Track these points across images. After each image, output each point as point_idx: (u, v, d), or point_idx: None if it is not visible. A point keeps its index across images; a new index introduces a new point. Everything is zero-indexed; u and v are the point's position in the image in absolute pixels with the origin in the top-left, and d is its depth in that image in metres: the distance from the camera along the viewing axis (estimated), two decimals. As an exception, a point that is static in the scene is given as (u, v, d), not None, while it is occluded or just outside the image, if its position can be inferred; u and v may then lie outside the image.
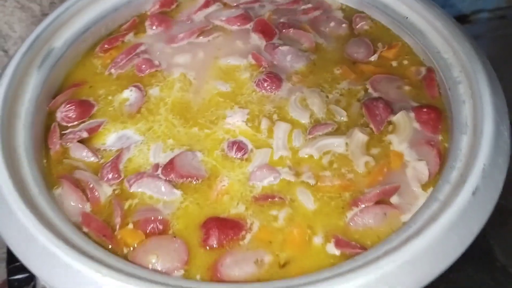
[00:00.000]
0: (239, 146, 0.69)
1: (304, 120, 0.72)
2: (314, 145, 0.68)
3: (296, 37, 0.83)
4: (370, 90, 0.75)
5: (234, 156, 0.68)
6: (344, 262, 0.56)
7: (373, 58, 0.79)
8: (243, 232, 0.62)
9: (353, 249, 0.58)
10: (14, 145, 0.66)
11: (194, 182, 0.66)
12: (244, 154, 0.68)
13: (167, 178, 0.66)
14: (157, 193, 0.65)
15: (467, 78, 0.69)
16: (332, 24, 0.84)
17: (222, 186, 0.65)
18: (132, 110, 0.74)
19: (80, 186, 0.66)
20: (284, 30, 0.84)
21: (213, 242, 0.60)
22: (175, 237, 0.61)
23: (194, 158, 0.68)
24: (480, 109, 0.64)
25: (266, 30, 0.84)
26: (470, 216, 0.56)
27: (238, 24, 0.86)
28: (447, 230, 0.54)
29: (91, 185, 0.65)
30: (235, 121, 0.72)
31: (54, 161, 0.70)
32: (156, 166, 0.67)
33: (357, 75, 0.77)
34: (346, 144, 0.68)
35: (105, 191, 0.66)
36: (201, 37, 0.85)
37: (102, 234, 0.60)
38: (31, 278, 0.80)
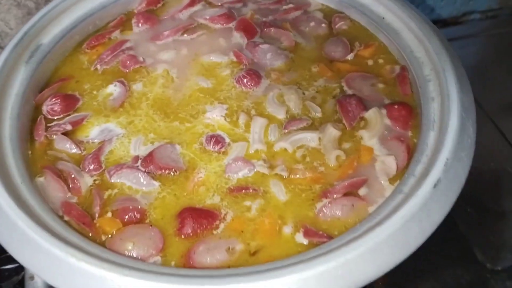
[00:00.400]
0: (217, 139, 0.71)
1: (281, 115, 0.74)
2: (289, 139, 0.71)
3: (276, 36, 0.86)
4: (345, 88, 0.77)
5: (212, 149, 0.71)
6: (310, 250, 0.58)
7: (349, 57, 0.82)
8: (217, 222, 0.64)
9: (320, 238, 0.61)
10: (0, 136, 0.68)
11: (172, 174, 0.68)
12: (222, 147, 0.71)
13: (146, 170, 0.69)
14: (136, 184, 0.68)
15: (436, 76, 0.71)
16: (312, 23, 0.87)
17: (199, 177, 0.68)
18: (115, 104, 0.77)
19: (62, 177, 0.68)
20: (265, 29, 0.86)
21: (188, 230, 0.62)
22: (151, 225, 0.63)
23: (173, 151, 0.71)
24: (447, 106, 0.66)
25: (248, 28, 0.86)
26: (431, 208, 0.58)
27: (221, 22, 0.88)
28: (408, 220, 0.56)
29: (73, 176, 0.68)
30: (214, 116, 0.74)
31: (39, 152, 0.72)
32: (136, 158, 0.70)
33: (333, 73, 0.79)
34: (319, 138, 0.71)
35: (86, 182, 0.68)
36: (185, 35, 0.88)
37: (81, 222, 0.63)
38: (21, 268, 0.82)
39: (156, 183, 0.68)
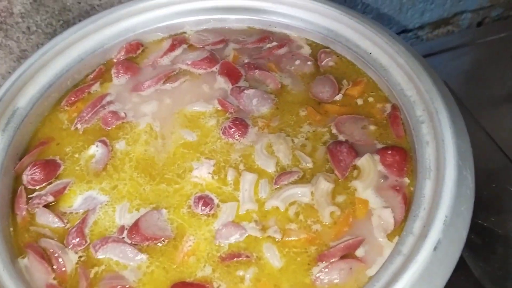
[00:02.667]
0: (205, 201, 0.68)
1: (270, 168, 0.71)
2: (280, 196, 0.68)
3: (261, 78, 0.83)
4: (335, 132, 0.74)
5: (201, 213, 0.68)
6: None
7: (338, 97, 0.78)
8: (209, 295, 0.61)
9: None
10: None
11: (160, 244, 0.65)
12: (211, 209, 0.68)
13: (133, 242, 0.66)
14: (123, 258, 0.65)
15: (429, 117, 0.68)
16: (297, 62, 0.84)
17: (188, 246, 0.65)
18: (98, 167, 0.74)
19: (46, 256, 0.66)
20: (249, 72, 0.83)
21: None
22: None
23: (159, 217, 0.68)
24: (442, 152, 0.63)
25: (231, 73, 0.83)
26: (432, 272, 0.55)
27: (204, 67, 0.85)
28: (410, 288, 0.53)
29: (56, 254, 0.65)
30: (201, 174, 0.72)
31: (20, 229, 0.70)
32: (122, 228, 0.67)
33: (322, 116, 0.76)
34: (312, 193, 0.67)
35: (71, 259, 0.66)
36: (167, 84, 0.84)
37: None
38: None
39: (144, 256, 0.65)
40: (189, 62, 0.86)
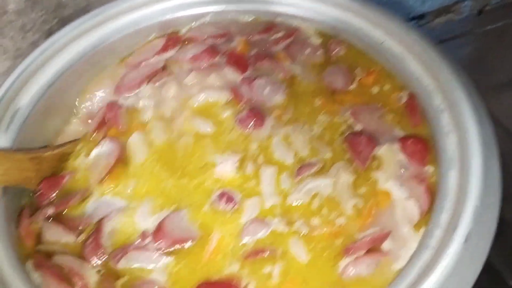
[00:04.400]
0: (229, 197, 0.67)
1: (289, 160, 0.70)
2: (302, 189, 0.67)
3: (271, 68, 0.81)
4: (352, 122, 0.73)
5: (225, 209, 0.66)
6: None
7: (352, 86, 0.77)
8: (237, 293, 0.60)
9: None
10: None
11: (187, 246, 0.64)
12: (234, 205, 0.66)
13: (159, 247, 0.64)
14: (146, 264, 0.63)
15: (449, 106, 0.67)
16: (307, 51, 0.82)
17: (214, 244, 0.64)
18: (108, 166, 0.71)
19: (63, 276, 0.62)
20: (258, 62, 0.81)
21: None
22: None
23: (183, 218, 0.66)
24: (466, 142, 0.63)
25: (239, 62, 0.81)
26: (463, 266, 0.55)
27: (207, 58, 0.83)
28: (441, 285, 0.53)
29: (74, 272, 0.62)
30: (226, 169, 0.70)
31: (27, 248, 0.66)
32: (145, 234, 0.65)
33: (337, 106, 0.75)
34: (333, 184, 0.67)
35: (91, 274, 0.63)
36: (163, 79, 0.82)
37: None
38: None
39: (170, 259, 0.63)
40: (190, 57, 0.83)
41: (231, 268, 0.63)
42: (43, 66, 0.78)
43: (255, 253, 0.63)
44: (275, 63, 0.81)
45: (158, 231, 0.65)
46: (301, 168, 0.69)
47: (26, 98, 0.76)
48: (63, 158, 0.74)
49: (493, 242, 0.86)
